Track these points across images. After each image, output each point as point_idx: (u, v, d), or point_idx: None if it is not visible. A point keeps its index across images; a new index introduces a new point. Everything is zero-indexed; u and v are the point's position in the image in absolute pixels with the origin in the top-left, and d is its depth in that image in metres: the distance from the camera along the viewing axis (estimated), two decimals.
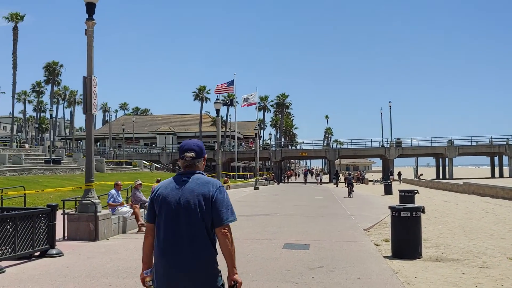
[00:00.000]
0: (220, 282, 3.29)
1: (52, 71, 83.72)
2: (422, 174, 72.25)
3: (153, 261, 3.35)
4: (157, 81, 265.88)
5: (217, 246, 3.31)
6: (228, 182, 42.43)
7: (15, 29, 61.04)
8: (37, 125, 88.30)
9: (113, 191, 13.25)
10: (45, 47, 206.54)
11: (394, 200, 28.52)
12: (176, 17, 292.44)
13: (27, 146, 63.79)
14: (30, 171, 35.26)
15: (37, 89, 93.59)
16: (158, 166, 65.90)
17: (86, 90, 12.05)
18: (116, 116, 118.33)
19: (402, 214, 9.88)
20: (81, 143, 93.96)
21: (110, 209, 13.06)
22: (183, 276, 3.19)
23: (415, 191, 20.67)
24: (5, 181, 25.69)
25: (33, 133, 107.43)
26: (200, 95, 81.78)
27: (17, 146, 61.68)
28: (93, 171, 12.09)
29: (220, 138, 41.26)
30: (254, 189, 42.53)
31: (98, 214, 11.69)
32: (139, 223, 13.40)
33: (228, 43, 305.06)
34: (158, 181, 23.11)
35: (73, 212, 12.06)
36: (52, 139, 79.21)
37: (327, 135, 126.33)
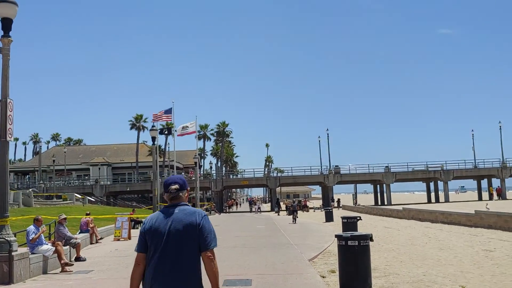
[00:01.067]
0: None
1: None
2: (354, 199, 73.42)
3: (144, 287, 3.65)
4: (91, 110, 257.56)
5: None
6: None
7: None
8: None
9: (32, 227, 11.86)
10: None
11: (335, 227, 28.18)
12: (110, 43, 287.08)
13: None
14: None
15: None
16: (92, 199, 62.96)
17: (1, 115, 10.77)
18: (48, 147, 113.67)
19: (349, 243, 9.19)
20: (11, 176, 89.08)
21: (29, 248, 11.65)
22: None
23: (358, 218, 20.28)
24: None
25: None
26: (137, 124, 79.66)
27: None
28: (7, 205, 10.72)
29: (158, 168, 39.77)
30: None
31: (13, 253, 10.31)
32: (62, 262, 12.00)
33: (166, 69, 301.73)
34: (87, 214, 21.62)
35: None
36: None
37: (267, 163, 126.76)
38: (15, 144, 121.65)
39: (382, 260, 13.43)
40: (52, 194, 58.66)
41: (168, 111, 51.03)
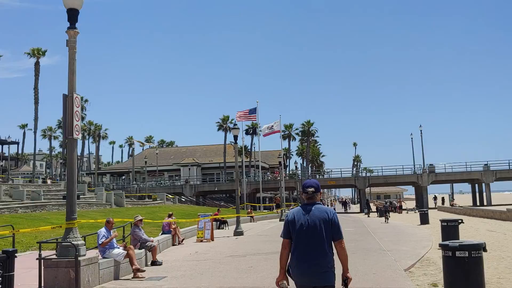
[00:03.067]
0: (335, 280, 4.75)
1: None
2: (450, 201, 68.63)
3: (291, 266, 4.80)
4: (181, 113, 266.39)
5: None
6: (252, 214, 40.13)
7: (37, 64, 60.91)
8: (62, 161, 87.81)
9: (103, 229, 11.23)
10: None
11: (432, 230, 25.87)
12: (198, 47, 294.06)
13: (49, 181, 62.87)
14: (44, 207, 33.79)
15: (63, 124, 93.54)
16: (182, 199, 63.95)
17: (67, 111, 10.19)
18: (143, 149, 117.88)
19: (458, 254, 7.57)
20: (107, 177, 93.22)
21: (99, 252, 11.04)
22: (316, 275, 4.65)
23: (459, 221, 18.02)
24: (9, 218, 24.00)
25: (61, 169, 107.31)
26: (224, 125, 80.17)
27: (42, 182, 60.97)
28: (75, 206, 10.11)
29: (243, 167, 39.23)
30: (280, 220, 40.11)
31: (80, 258, 9.66)
32: (133, 267, 11.26)
33: (251, 70, 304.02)
34: (170, 215, 21.11)
35: (51, 257, 10.04)
36: (76, 174, 78.43)
37: (355, 163, 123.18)
38: (112, 147, 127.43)
39: (492, 272, 11.48)
40: (144, 194, 60.23)
41: (253, 111, 50.47)
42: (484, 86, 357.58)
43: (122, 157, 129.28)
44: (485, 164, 66.92)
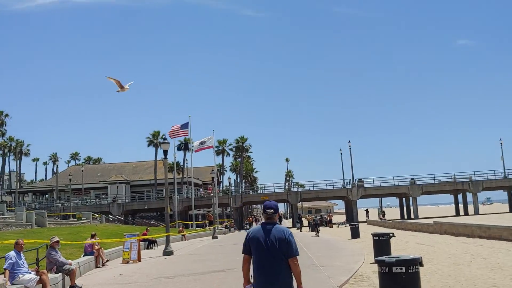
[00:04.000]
0: None
1: None
2: (379, 214, 70.41)
3: (252, 279, 5.21)
4: (109, 128, 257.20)
5: None
6: (183, 232, 38.98)
7: None
8: None
9: (12, 252, 10.10)
10: None
11: (363, 244, 25.99)
12: (125, 58, 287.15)
13: None
14: None
15: None
16: (110, 218, 61.46)
17: None
18: (68, 166, 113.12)
19: (394, 270, 7.23)
20: (29, 196, 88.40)
21: (8, 277, 9.89)
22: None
23: (391, 235, 18.03)
24: None
25: None
26: (154, 141, 78.15)
27: None
28: None
29: (174, 184, 38.11)
30: (212, 238, 39.29)
31: None
32: None
33: (182, 84, 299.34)
34: (93, 236, 19.83)
35: None
36: None
37: (288, 178, 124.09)
38: (36, 164, 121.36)
39: (425, 285, 11.31)
40: (68, 213, 57.42)
41: (185, 126, 49.41)
42: (410, 103, 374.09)
43: (46, 175, 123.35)
44: (411, 179, 69.27)
